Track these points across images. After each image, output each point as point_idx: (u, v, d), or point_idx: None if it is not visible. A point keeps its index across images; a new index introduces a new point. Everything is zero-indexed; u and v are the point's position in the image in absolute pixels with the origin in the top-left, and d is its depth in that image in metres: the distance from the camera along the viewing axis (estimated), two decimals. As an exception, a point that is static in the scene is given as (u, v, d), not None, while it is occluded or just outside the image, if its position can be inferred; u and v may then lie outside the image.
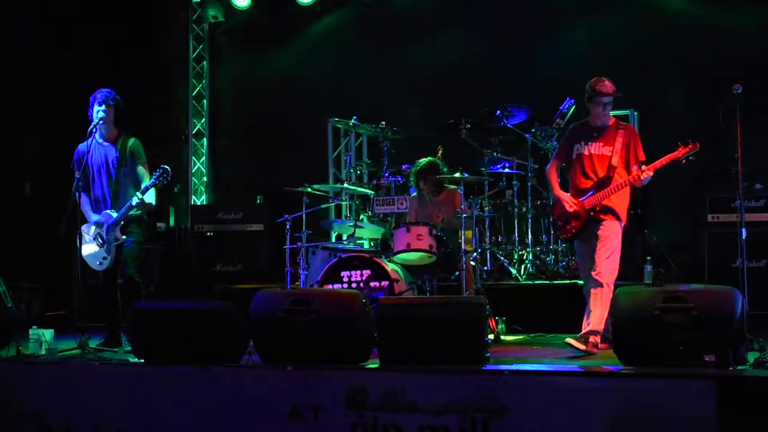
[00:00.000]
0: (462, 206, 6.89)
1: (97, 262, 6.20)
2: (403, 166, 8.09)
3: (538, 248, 7.99)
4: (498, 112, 8.03)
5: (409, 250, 6.48)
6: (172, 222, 9.61)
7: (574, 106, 7.88)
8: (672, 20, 8.86)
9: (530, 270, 7.71)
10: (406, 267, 6.69)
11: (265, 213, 8.97)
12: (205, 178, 10.42)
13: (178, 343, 5.03)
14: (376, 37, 9.85)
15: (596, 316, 5.62)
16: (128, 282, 6.17)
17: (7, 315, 6.45)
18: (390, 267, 6.45)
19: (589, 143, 5.89)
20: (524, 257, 7.84)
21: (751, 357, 4.64)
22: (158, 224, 9.11)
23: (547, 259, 7.87)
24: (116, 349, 6.03)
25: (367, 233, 7.60)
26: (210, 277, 8.80)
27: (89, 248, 6.20)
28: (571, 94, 7.94)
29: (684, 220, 8.42)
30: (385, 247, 7.12)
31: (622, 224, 5.87)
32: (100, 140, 6.26)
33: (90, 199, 6.28)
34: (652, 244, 8.11)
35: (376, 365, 4.78)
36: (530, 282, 7.55)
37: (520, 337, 6.82)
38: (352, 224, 6.99)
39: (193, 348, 4.97)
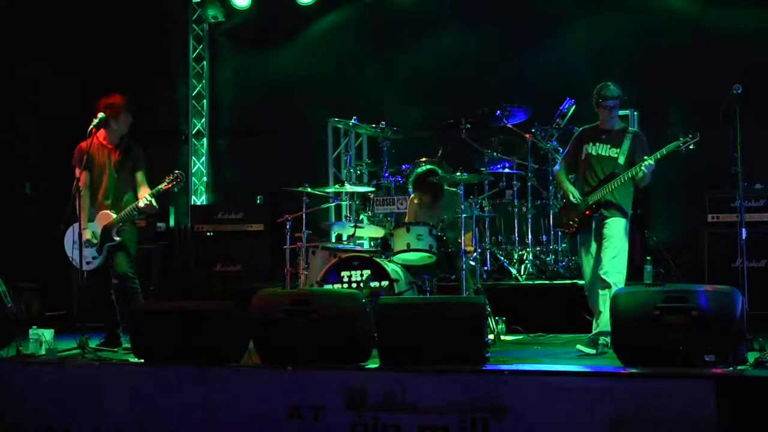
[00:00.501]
0: (461, 207, 6.88)
1: (85, 262, 6.17)
2: (403, 166, 8.10)
3: (538, 248, 7.99)
4: (498, 112, 8.03)
5: (409, 250, 6.48)
6: (172, 222, 9.61)
7: (574, 106, 7.89)
8: (672, 20, 8.85)
9: (530, 270, 7.71)
10: (406, 267, 6.69)
11: (265, 213, 8.96)
12: (205, 178, 10.42)
13: (178, 343, 5.03)
14: (376, 37, 9.85)
15: (605, 317, 5.63)
16: (122, 281, 6.16)
17: (7, 315, 6.44)
18: (390, 267, 6.45)
19: (597, 144, 5.97)
20: (524, 257, 7.84)
21: (751, 357, 4.64)
22: (158, 224, 9.10)
23: (547, 259, 7.87)
24: (116, 349, 6.03)
25: (367, 233, 7.60)
26: (210, 277, 8.79)
27: (76, 248, 6.15)
28: (571, 94, 7.95)
29: (684, 220, 8.42)
30: (385, 247, 7.12)
31: (628, 221, 5.88)
32: (104, 141, 6.27)
33: (88, 198, 6.26)
34: (652, 244, 8.12)
35: (376, 365, 4.78)
36: (530, 282, 7.55)
37: (520, 337, 6.83)
38: (352, 225, 6.99)
39: (193, 348, 4.98)
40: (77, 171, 6.15)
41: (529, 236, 7.98)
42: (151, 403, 4.88)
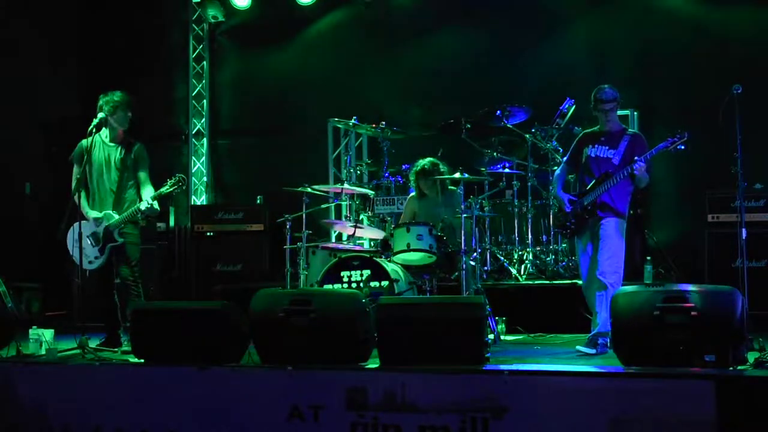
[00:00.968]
0: (462, 206, 6.88)
1: (87, 261, 6.18)
2: (403, 166, 8.10)
3: (538, 248, 7.99)
4: (498, 112, 8.02)
5: (409, 250, 6.48)
6: (172, 222, 9.61)
7: (574, 106, 7.89)
8: (672, 20, 8.85)
9: (530, 270, 7.71)
10: (406, 267, 6.69)
11: (265, 213, 8.96)
12: (205, 178, 10.42)
13: (178, 343, 5.03)
14: (376, 37, 9.85)
15: (602, 318, 5.65)
16: (125, 282, 6.16)
17: (7, 315, 6.44)
18: (390, 267, 6.45)
19: (596, 146, 5.99)
20: (524, 257, 7.84)
21: (751, 357, 4.64)
22: (158, 224, 9.11)
23: (547, 259, 7.87)
24: (116, 349, 6.03)
25: (367, 234, 7.59)
26: (210, 277, 8.80)
27: (81, 246, 6.16)
28: (571, 94, 7.94)
29: (684, 220, 8.42)
30: (385, 247, 7.12)
31: (625, 221, 5.88)
32: (106, 139, 6.26)
33: (89, 198, 6.27)
34: (652, 244, 8.12)
35: (376, 365, 4.78)
36: (530, 282, 7.55)
37: (520, 337, 6.83)
38: (352, 225, 6.99)
39: (193, 348, 4.97)
40: (75, 168, 6.15)
41: (529, 236, 7.98)
42: (151, 403, 4.88)
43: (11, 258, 7.90)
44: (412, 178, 7.40)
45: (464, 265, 6.41)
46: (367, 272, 6.42)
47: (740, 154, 5.38)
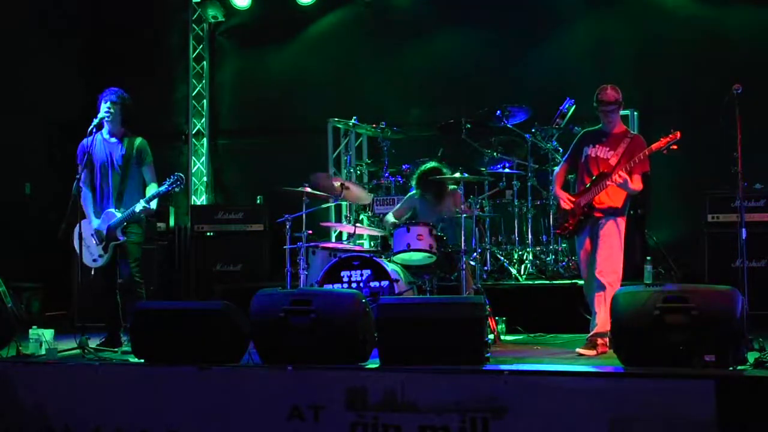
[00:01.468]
0: (462, 206, 6.88)
1: (92, 260, 6.20)
2: (403, 166, 8.10)
3: (538, 248, 7.99)
4: (498, 112, 8.03)
5: (409, 250, 6.48)
6: (172, 222, 9.61)
7: (574, 106, 7.89)
8: (672, 20, 8.86)
9: (530, 270, 7.71)
10: (406, 267, 6.69)
11: (265, 213, 8.96)
12: (205, 178, 10.42)
13: (178, 343, 5.03)
14: (376, 37, 9.85)
15: (601, 318, 5.65)
16: (127, 282, 6.17)
17: (7, 315, 6.44)
18: (390, 267, 6.45)
19: (596, 146, 5.97)
20: (524, 257, 7.84)
21: (751, 357, 4.64)
22: (158, 224, 9.11)
23: (547, 259, 7.87)
24: (116, 349, 6.03)
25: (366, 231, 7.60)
26: (210, 277, 8.80)
27: (85, 245, 6.17)
28: (571, 94, 7.95)
29: (684, 220, 8.42)
30: (385, 247, 7.12)
31: (623, 219, 5.87)
32: (107, 136, 6.27)
33: (94, 196, 6.27)
34: (652, 244, 8.12)
35: (376, 365, 4.78)
36: (530, 282, 7.55)
37: (520, 337, 6.83)
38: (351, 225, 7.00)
39: (193, 348, 4.97)
40: (79, 168, 6.15)
41: (529, 236, 7.98)
42: (151, 403, 4.88)
43: (11, 258, 7.90)
44: (413, 182, 7.36)
45: (464, 265, 6.41)
46: (367, 272, 6.42)
47: (740, 154, 5.38)
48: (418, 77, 9.57)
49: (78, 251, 6.15)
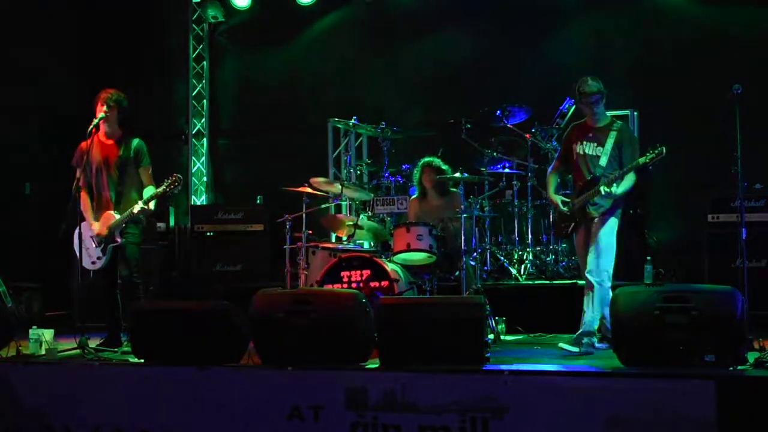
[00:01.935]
0: (461, 208, 6.88)
1: (91, 262, 6.19)
2: (403, 166, 8.09)
3: (538, 248, 7.99)
4: (498, 112, 8.03)
5: (409, 250, 6.48)
6: (172, 222, 9.62)
7: (574, 106, 7.88)
8: (672, 20, 8.85)
9: (530, 270, 7.71)
10: (406, 267, 6.69)
11: (265, 213, 8.96)
12: (205, 178, 10.42)
13: (178, 343, 5.03)
14: (376, 37, 9.86)
15: (588, 317, 5.65)
16: (127, 282, 6.16)
17: (7, 315, 6.44)
18: (390, 267, 6.45)
19: (584, 143, 5.90)
20: (524, 257, 7.84)
21: (751, 357, 4.64)
22: (158, 224, 9.11)
23: (547, 259, 7.87)
24: (116, 349, 6.02)
25: (366, 235, 7.59)
26: (210, 277, 8.80)
27: (84, 247, 6.17)
28: (571, 94, 7.91)
29: (684, 219, 8.42)
30: (385, 247, 7.12)
31: (617, 219, 5.85)
32: (104, 138, 6.26)
33: (93, 198, 6.27)
34: (652, 244, 8.11)
35: (376, 365, 4.78)
36: (530, 282, 7.55)
37: (520, 337, 6.83)
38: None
39: (193, 348, 4.97)
40: (78, 171, 6.15)
41: (529, 236, 7.98)
42: (151, 403, 4.88)
43: (11, 258, 7.89)
44: (417, 171, 7.34)
45: (464, 265, 6.41)
46: (367, 272, 6.41)
47: (740, 154, 5.38)
48: (418, 77, 9.57)
49: (78, 254, 6.15)
